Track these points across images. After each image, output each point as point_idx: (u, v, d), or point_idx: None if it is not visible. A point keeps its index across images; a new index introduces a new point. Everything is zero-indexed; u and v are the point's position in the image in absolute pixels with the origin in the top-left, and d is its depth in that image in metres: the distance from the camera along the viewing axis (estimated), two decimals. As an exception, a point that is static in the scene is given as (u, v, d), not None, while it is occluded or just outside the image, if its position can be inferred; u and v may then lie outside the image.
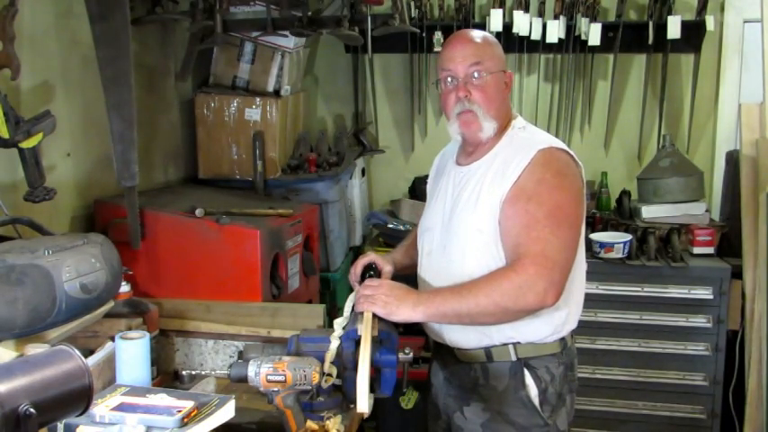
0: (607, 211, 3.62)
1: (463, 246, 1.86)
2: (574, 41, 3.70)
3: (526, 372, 1.86)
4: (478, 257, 1.83)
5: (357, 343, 1.70)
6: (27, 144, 1.91)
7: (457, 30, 3.65)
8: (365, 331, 1.69)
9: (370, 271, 2.06)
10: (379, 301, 1.76)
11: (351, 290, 2.02)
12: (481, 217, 1.83)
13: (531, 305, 1.72)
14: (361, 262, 2.08)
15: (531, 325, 1.83)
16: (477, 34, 1.94)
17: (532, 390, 1.86)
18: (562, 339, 1.89)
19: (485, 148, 1.91)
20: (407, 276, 2.06)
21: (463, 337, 1.89)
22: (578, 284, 1.91)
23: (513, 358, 1.86)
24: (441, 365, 2.02)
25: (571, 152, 1.86)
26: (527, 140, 1.87)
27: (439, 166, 2.15)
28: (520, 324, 1.82)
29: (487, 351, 1.87)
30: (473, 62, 1.87)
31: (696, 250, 3.21)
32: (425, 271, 1.99)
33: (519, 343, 1.85)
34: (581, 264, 1.91)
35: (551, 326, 1.85)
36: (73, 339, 1.72)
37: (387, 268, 2.06)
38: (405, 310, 1.75)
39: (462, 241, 1.86)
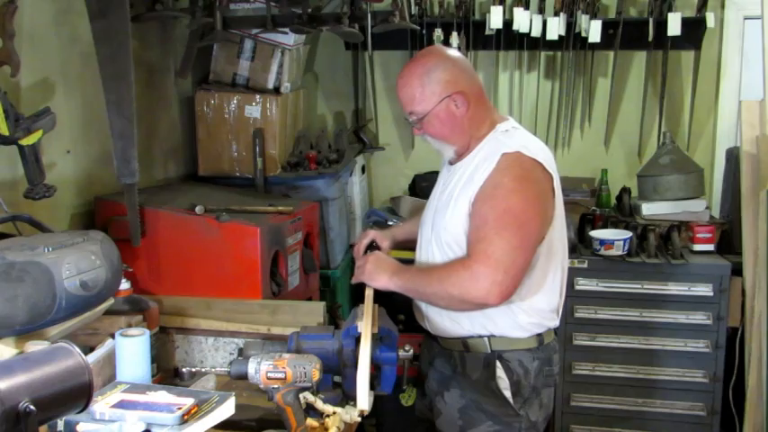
0: (607, 208, 3.62)
1: (438, 242, 1.99)
2: (574, 38, 3.70)
3: (498, 364, 1.95)
4: (448, 254, 1.96)
5: (357, 340, 1.70)
6: (27, 141, 1.91)
7: (456, 27, 3.71)
8: (365, 328, 1.70)
9: (371, 248, 2.23)
10: (366, 270, 1.98)
11: (350, 287, 2.07)
12: (451, 217, 1.94)
13: (474, 299, 1.83)
14: (364, 241, 2.24)
15: (499, 320, 1.93)
16: (410, 74, 1.95)
17: (503, 381, 1.95)
18: (538, 335, 1.97)
19: (467, 151, 2.00)
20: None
21: (440, 324, 2.01)
22: (544, 285, 1.95)
23: (488, 350, 1.95)
24: (428, 350, 2.14)
25: (539, 159, 1.89)
26: (500, 144, 1.92)
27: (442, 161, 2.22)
28: (490, 316, 1.92)
29: (464, 341, 1.98)
30: (408, 110, 1.98)
31: (696, 247, 3.21)
32: (418, 260, 2.12)
33: (493, 336, 1.95)
34: (549, 265, 1.95)
35: (516, 323, 1.94)
36: (73, 336, 1.72)
37: (384, 244, 2.25)
38: (383, 278, 1.96)
39: (437, 238, 1.99)
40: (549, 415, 2.07)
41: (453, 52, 2.04)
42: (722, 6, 3.65)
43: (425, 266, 2.02)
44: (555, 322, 2.02)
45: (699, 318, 3.13)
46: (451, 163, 2.05)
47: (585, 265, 3.18)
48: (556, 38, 3.62)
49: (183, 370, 1.95)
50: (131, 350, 1.70)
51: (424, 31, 3.74)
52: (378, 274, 1.97)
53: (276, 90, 3.29)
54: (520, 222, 1.84)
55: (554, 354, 2.03)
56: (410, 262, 2.11)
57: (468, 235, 1.89)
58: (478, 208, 1.87)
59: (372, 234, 2.24)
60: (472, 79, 1.99)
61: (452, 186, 1.97)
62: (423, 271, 1.98)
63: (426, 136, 2.01)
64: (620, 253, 3.16)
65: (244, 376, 1.61)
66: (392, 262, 2.02)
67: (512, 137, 1.96)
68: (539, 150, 1.93)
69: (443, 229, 1.96)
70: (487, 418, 1.95)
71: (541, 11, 3.66)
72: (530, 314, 1.94)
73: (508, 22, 3.64)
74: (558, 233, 1.97)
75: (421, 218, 2.16)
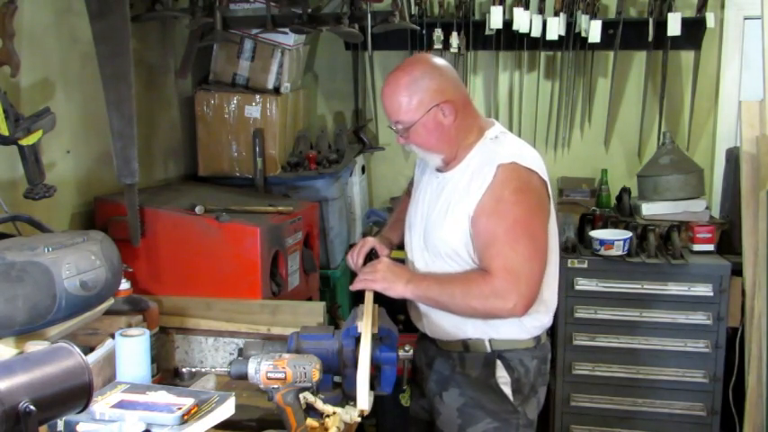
0: (607, 208, 3.61)
1: (435, 251, 1.98)
2: (574, 38, 3.70)
3: (498, 362, 1.97)
4: (449, 263, 1.96)
5: (357, 340, 1.70)
6: (27, 141, 1.91)
7: (456, 28, 3.71)
8: (365, 328, 1.70)
9: (370, 255, 2.19)
10: (378, 278, 1.95)
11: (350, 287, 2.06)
12: (449, 228, 1.93)
13: (499, 313, 1.87)
14: (364, 249, 2.18)
15: (504, 326, 1.95)
16: (396, 84, 1.91)
17: (504, 379, 1.97)
18: (536, 336, 2.01)
19: (457, 159, 1.98)
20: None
21: (441, 327, 2.01)
22: (549, 289, 1.99)
23: (488, 350, 1.98)
24: (423, 352, 2.14)
25: (534, 168, 1.90)
26: (493, 153, 1.91)
27: (422, 161, 2.18)
28: (493, 323, 1.94)
29: (464, 343, 1.99)
30: (393, 120, 1.94)
31: (696, 247, 3.21)
32: (409, 261, 2.11)
33: (494, 338, 1.97)
34: (549, 268, 1.98)
35: (522, 327, 1.97)
36: (73, 336, 1.72)
37: (385, 252, 2.20)
38: (398, 286, 1.94)
39: (434, 249, 1.98)
40: (539, 412, 2.11)
41: (439, 60, 1.99)
42: (722, 6, 3.65)
43: (439, 275, 1.97)
44: (551, 322, 2.05)
45: (699, 318, 3.13)
46: (440, 170, 2.02)
47: (585, 265, 3.18)
48: (556, 38, 3.62)
49: (183, 370, 1.95)
50: (131, 350, 1.70)
51: (423, 32, 3.74)
52: (393, 282, 1.95)
53: (276, 90, 3.30)
54: (530, 233, 1.86)
55: (548, 353, 2.08)
56: (400, 261, 2.10)
57: (479, 252, 1.88)
58: (484, 224, 1.86)
59: (371, 242, 2.20)
60: (459, 88, 1.97)
61: (447, 197, 1.95)
62: (441, 281, 1.94)
63: (411, 145, 1.97)
64: (619, 253, 3.15)
65: (244, 376, 1.61)
66: (405, 269, 2.02)
67: (502, 144, 1.95)
68: (531, 158, 1.93)
69: (441, 241, 1.94)
70: (486, 415, 1.97)
71: (541, 11, 3.66)
72: (534, 317, 1.96)
73: (508, 23, 3.64)
74: (554, 237, 2.00)
75: (407, 220, 2.14)
